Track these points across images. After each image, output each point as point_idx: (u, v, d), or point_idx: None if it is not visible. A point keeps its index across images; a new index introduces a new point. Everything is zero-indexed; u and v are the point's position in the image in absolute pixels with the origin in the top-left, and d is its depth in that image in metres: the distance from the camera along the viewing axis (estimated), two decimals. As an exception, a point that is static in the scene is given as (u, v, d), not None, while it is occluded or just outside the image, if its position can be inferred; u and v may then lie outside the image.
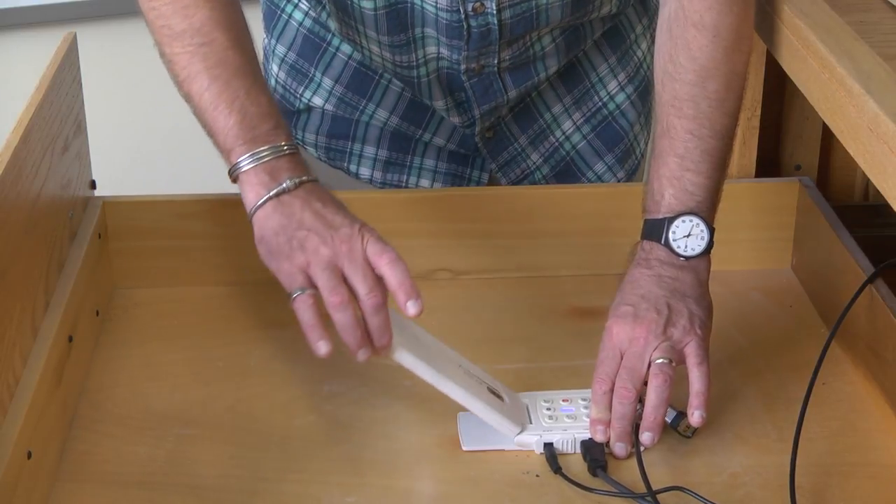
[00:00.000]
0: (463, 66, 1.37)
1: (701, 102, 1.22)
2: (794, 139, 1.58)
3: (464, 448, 1.17)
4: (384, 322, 1.12)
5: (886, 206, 1.08)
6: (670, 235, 1.20)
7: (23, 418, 1.05)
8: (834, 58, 1.15)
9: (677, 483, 1.10)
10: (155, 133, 2.51)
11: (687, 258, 1.21)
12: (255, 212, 1.16)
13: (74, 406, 1.21)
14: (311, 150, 1.50)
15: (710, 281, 1.42)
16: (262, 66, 1.53)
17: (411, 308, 1.12)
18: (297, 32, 1.46)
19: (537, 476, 1.13)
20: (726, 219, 1.43)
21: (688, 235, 1.20)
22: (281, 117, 1.20)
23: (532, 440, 1.15)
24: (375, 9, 1.33)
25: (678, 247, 1.20)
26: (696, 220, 1.20)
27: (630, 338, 1.16)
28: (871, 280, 1.25)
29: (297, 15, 1.47)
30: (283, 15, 1.47)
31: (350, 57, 1.45)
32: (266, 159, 1.17)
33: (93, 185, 1.42)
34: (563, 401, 1.19)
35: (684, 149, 1.22)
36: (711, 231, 1.21)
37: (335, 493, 1.11)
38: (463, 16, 1.32)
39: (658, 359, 1.14)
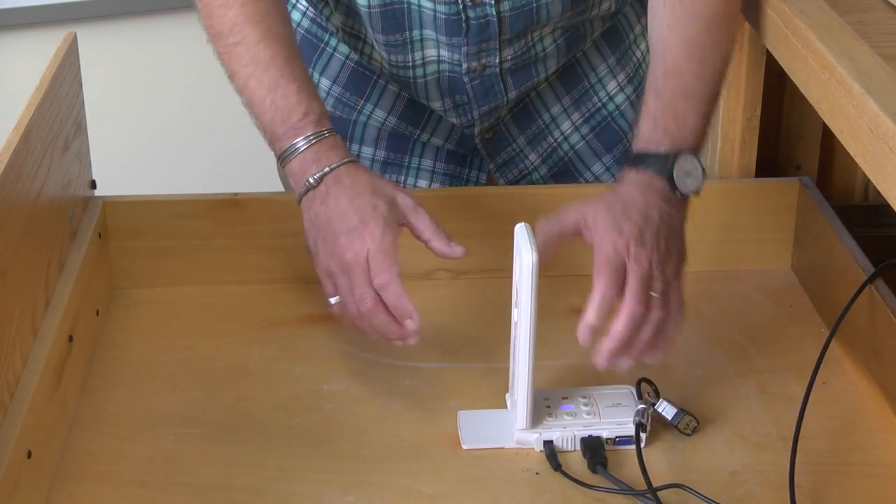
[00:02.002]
0: (464, 66, 1.37)
1: (707, 46, 1.25)
2: (794, 139, 1.59)
3: (464, 447, 1.17)
4: (384, 320, 1.15)
5: (886, 206, 1.09)
6: (675, 171, 1.20)
7: (23, 418, 1.05)
8: (834, 58, 1.15)
9: (677, 480, 1.10)
10: (155, 133, 2.51)
11: (683, 195, 1.21)
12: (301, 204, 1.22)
13: (74, 406, 1.21)
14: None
15: (710, 281, 1.43)
16: None
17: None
18: (295, 33, 1.46)
19: (537, 474, 1.14)
20: (726, 219, 1.43)
21: (688, 173, 1.21)
22: (311, 101, 1.22)
23: (532, 438, 1.16)
24: (370, 6, 1.33)
25: (679, 183, 1.21)
26: (695, 160, 1.21)
27: (636, 257, 1.15)
28: (871, 280, 1.25)
29: (295, 15, 1.47)
30: None
31: (347, 57, 1.45)
32: (293, 157, 1.21)
33: (93, 184, 1.42)
34: (563, 398, 1.19)
35: (691, 90, 1.23)
36: (704, 172, 1.22)
37: (335, 492, 1.11)
38: (461, 6, 1.32)
39: (655, 292, 1.14)
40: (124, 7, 2.39)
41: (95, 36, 2.35)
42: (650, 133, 1.23)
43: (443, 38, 1.35)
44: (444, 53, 1.36)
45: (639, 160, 1.22)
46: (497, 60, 1.37)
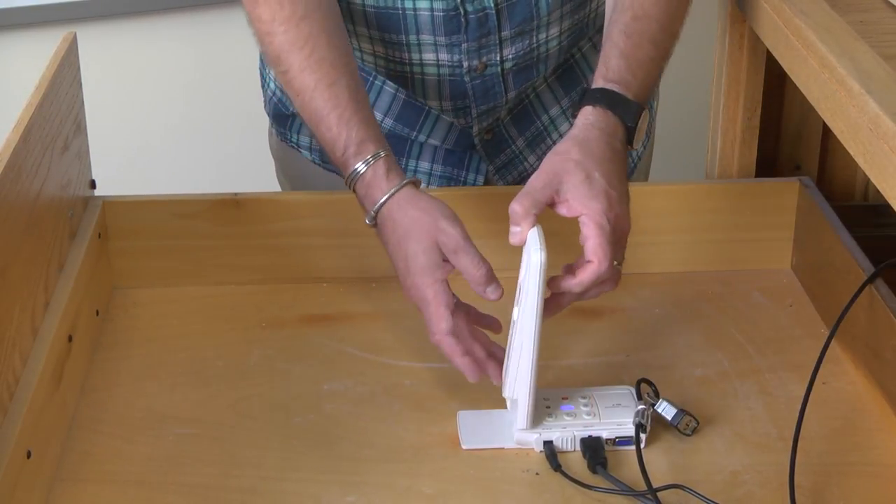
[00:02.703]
0: (465, 66, 1.36)
1: (671, 10, 1.25)
2: (794, 139, 1.59)
3: (463, 447, 1.17)
4: (464, 364, 1.16)
5: (886, 206, 1.09)
6: (638, 123, 1.20)
7: (23, 418, 1.05)
8: (834, 58, 1.15)
9: (677, 481, 1.10)
10: (155, 133, 2.51)
11: (632, 147, 1.21)
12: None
13: (74, 406, 1.21)
14: (306, 153, 1.50)
15: (710, 281, 1.43)
16: (260, 71, 1.54)
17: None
18: None
19: (537, 474, 1.14)
20: (726, 219, 1.43)
21: (639, 129, 1.21)
22: (350, 129, 1.22)
23: (532, 438, 1.16)
24: (363, 4, 1.33)
25: (635, 139, 1.21)
26: (646, 115, 1.22)
27: (620, 230, 1.15)
28: (871, 280, 1.25)
29: None
30: None
31: None
32: (351, 189, 1.22)
33: (93, 184, 1.42)
34: (563, 399, 1.19)
35: (658, 40, 1.24)
36: (647, 135, 1.21)
37: (335, 492, 1.11)
38: (459, 1, 1.31)
39: (621, 261, 1.15)
40: (124, 7, 2.39)
41: (95, 36, 2.35)
42: (620, 73, 1.21)
43: (441, 40, 1.35)
44: (444, 57, 1.36)
45: (607, 99, 1.20)
46: (498, 58, 1.37)
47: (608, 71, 1.21)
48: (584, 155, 1.15)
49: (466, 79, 1.38)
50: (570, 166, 1.14)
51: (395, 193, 1.19)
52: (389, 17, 1.33)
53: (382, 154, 1.21)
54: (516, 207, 1.13)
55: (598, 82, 1.21)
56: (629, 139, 1.20)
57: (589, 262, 1.13)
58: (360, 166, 1.21)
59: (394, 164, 1.21)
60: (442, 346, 1.16)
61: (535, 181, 1.15)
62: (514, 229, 1.13)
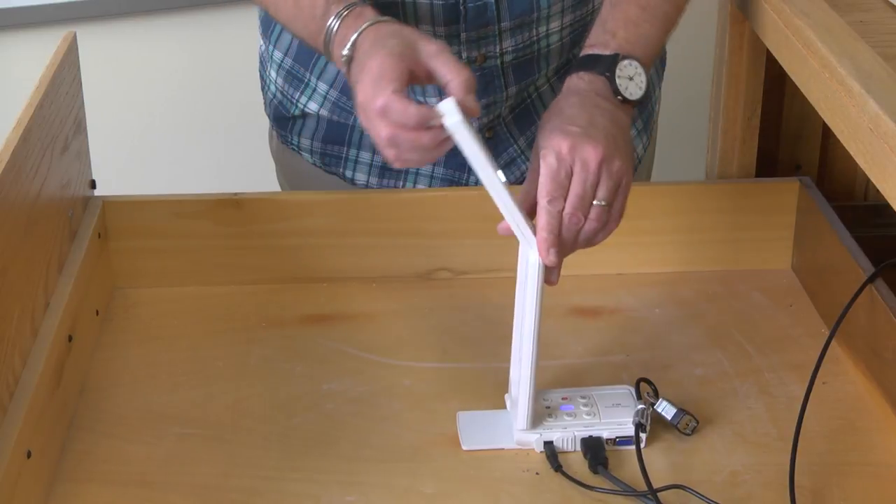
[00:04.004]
0: (464, 56, 1.36)
1: None
2: (794, 139, 1.59)
3: (464, 447, 1.17)
4: (412, 138, 1.08)
5: (886, 206, 1.09)
6: (617, 72, 1.19)
7: (23, 418, 1.05)
8: (834, 58, 1.15)
9: (678, 481, 1.10)
10: (155, 133, 2.51)
11: (624, 99, 1.19)
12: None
13: (74, 406, 1.21)
14: (307, 155, 1.50)
15: (710, 281, 1.43)
16: (260, 74, 1.54)
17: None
18: (293, 37, 1.46)
19: (537, 474, 1.13)
20: (726, 219, 1.43)
21: (630, 78, 1.20)
22: None
23: (532, 439, 1.16)
24: None
25: (620, 85, 1.19)
26: (640, 67, 1.20)
27: (582, 159, 1.11)
28: (871, 280, 1.25)
29: None
30: None
31: None
32: (332, 45, 1.17)
33: (93, 184, 1.42)
34: (563, 399, 1.19)
35: (648, 3, 1.23)
36: (649, 85, 1.21)
37: (335, 492, 1.11)
38: None
39: (601, 200, 1.12)
40: (124, 7, 2.39)
41: (95, 36, 2.35)
42: (595, 37, 1.22)
43: (440, 30, 1.34)
44: None
45: (580, 64, 1.20)
46: (497, 50, 1.37)
47: (586, 43, 1.22)
48: (554, 111, 1.15)
49: None
50: (542, 125, 1.14)
51: (381, 20, 1.15)
52: (388, 8, 1.33)
53: (363, 3, 1.18)
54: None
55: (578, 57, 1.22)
56: (615, 90, 1.18)
57: (540, 207, 1.11)
58: (351, 5, 1.17)
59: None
60: (389, 107, 1.07)
61: (529, 183, 1.15)
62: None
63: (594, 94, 1.18)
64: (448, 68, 1.10)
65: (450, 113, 1.06)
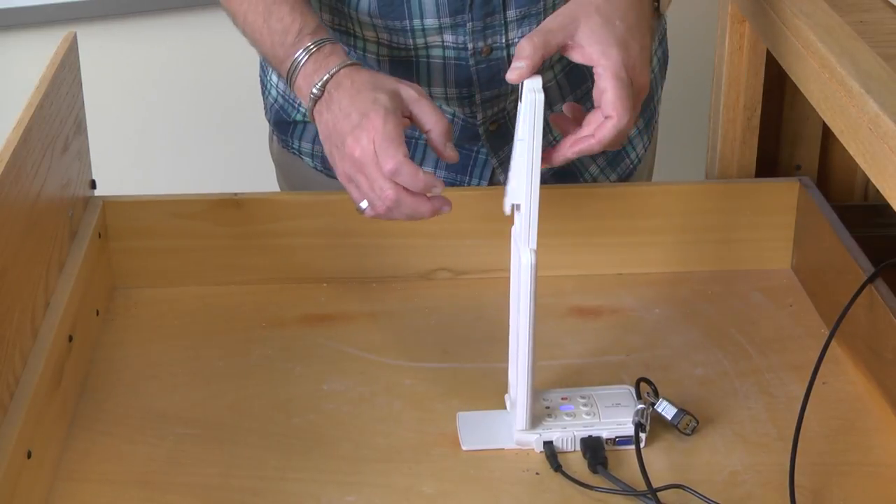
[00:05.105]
0: (470, 48, 1.35)
1: None
2: (794, 139, 1.59)
3: (463, 448, 1.17)
4: (412, 203, 1.14)
5: (886, 206, 1.09)
6: None
7: (23, 418, 1.05)
8: (834, 58, 1.15)
9: (677, 481, 1.10)
10: (155, 133, 2.51)
11: (659, 13, 1.20)
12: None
13: (74, 406, 1.21)
14: (308, 160, 1.50)
15: (710, 281, 1.43)
16: (260, 79, 1.54)
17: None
18: None
19: (537, 474, 1.14)
20: (726, 219, 1.43)
21: None
22: (305, 17, 1.23)
23: (532, 439, 1.16)
24: None
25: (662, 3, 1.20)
26: None
27: (638, 87, 1.11)
28: (871, 280, 1.25)
29: None
30: None
31: None
32: (297, 74, 1.21)
33: (93, 184, 1.42)
34: (563, 399, 1.19)
35: None
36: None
37: (335, 492, 1.11)
38: None
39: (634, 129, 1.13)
40: (124, 7, 2.39)
41: (95, 36, 2.35)
42: None
43: (446, 21, 1.34)
44: (449, 39, 1.35)
45: None
46: (504, 41, 1.36)
47: None
48: (606, 1, 1.13)
49: (471, 62, 1.37)
50: (591, 10, 1.12)
51: (354, 62, 1.20)
52: (392, 2, 1.33)
53: (333, 41, 1.22)
54: (525, 44, 1.09)
55: None
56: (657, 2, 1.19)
57: (608, 117, 1.10)
58: (322, 40, 1.21)
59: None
60: (401, 170, 1.12)
61: (551, 22, 1.12)
62: (516, 64, 1.09)
63: None
64: (428, 117, 1.16)
65: (536, 90, 1.07)
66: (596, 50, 1.10)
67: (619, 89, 1.10)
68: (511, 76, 1.09)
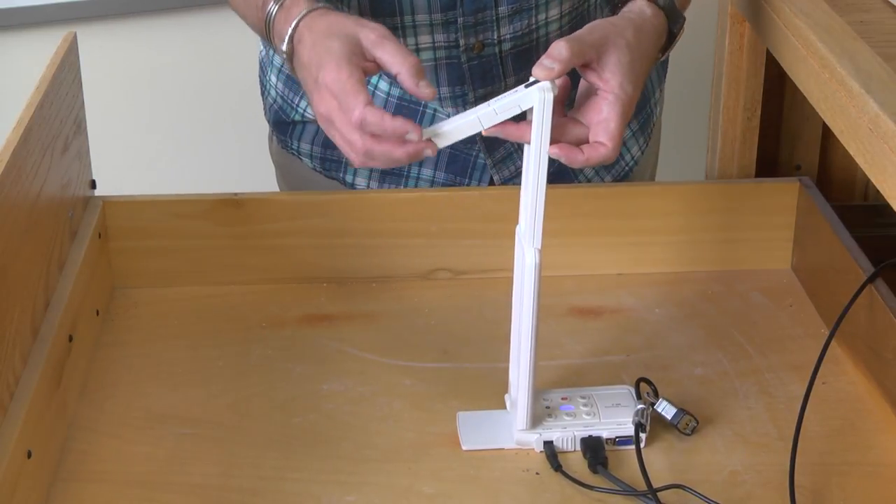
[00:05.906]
0: (462, 44, 1.35)
1: None
2: (794, 139, 1.59)
3: (463, 448, 1.17)
4: (387, 149, 1.09)
5: (886, 206, 1.09)
6: (678, 33, 1.24)
7: (23, 418, 1.05)
8: (834, 58, 1.15)
9: (677, 481, 1.10)
10: (155, 133, 2.51)
11: (663, 52, 1.23)
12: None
13: (74, 406, 1.21)
14: (307, 160, 1.50)
15: (710, 281, 1.43)
16: (260, 79, 1.54)
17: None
18: None
19: (537, 474, 1.14)
20: (726, 219, 1.44)
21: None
22: None
23: (532, 439, 1.16)
24: None
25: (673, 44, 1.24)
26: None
27: (628, 112, 1.13)
28: (871, 280, 1.25)
29: None
30: None
31: None
32: (272, 31, 1.18)
33: (93, 184, 1.42)
34: (563, 399, 1.19)
35: None
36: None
37: (335, 492, 1.11)
38: None
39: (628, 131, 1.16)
40: (124, 7, 2.39)
41: (95, 36, 2.35)
42: None
43: (437, 17, 1.34)
44: (440, 37, 1.35)
45: (665, 1, 1.22)
46: (495, 37, 1.36)
47: None
48: (636, 40, 1.15)
49: (463, 59, 1.36)
50: (622, 43, 1.14)
51: (316, 9, 1.16)
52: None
53: None
54: (563, 47, 1.09)
55: None
56: (665, 47, 1.22)
57: (603, 144, 1.11)
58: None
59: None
60: (366, 120, 1.08)
61: (589, 36, 1.13)
62: (549, 63, 1.08)
63: (659, 39, 1.21)
64: (393, 58, 1.10)
65: (546, 90, 1.07)
66: (616, 81, 1.12)
67: (621, 125, 1.12)
68: (540, 73, 1.08)
